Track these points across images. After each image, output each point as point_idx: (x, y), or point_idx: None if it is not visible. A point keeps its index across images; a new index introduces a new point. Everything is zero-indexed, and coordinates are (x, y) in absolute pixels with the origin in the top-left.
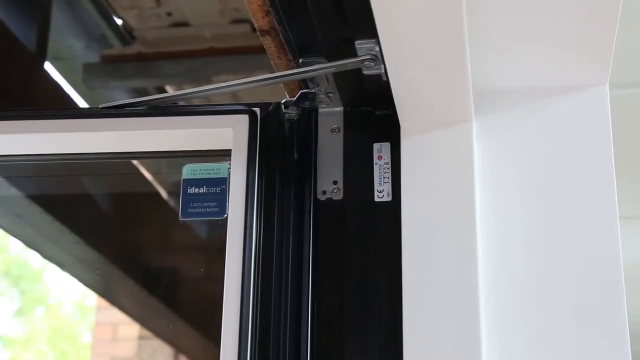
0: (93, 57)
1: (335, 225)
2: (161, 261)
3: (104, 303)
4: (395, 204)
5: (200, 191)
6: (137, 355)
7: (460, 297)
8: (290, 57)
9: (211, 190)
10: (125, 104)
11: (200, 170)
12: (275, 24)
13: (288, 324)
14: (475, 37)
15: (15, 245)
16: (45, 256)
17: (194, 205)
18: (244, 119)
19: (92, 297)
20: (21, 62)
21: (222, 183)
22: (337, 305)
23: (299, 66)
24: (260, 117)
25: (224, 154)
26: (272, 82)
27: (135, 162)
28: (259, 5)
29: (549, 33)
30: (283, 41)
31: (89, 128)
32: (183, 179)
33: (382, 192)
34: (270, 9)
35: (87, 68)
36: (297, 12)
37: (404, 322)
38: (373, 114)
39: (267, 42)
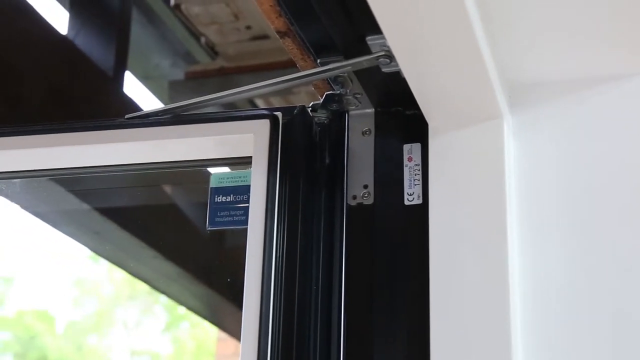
0: (179, 75)
1: (366, 231)
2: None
3: None
4: (425, 207)
5: (227, 199)
6: None
7: (490, 303)
8: (312, 58)
9: (238, 198)
10: (150, 113)
11: (227, 178)
12: (289, 24)
13: (318, 331)
14: (508, 28)
15: None
16: (128, 271)
17: (221, 214)
18: (265, 124)
19: None
20: (92, 82)
21: (249, 191)
22: (367, 312)
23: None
24: (285, 122)
25: (250, 162)
26: (290, 85)
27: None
28: (270, 6)
29: (585, 20)
30: (301, 42)
31: (114, 139)
32: (211, 188)
33: (412, 195)
34: (281, 9)
35: (173, 85)
36: (305, 11)
37: (431, 328)
38: (403, 114)
39: (288, 44)
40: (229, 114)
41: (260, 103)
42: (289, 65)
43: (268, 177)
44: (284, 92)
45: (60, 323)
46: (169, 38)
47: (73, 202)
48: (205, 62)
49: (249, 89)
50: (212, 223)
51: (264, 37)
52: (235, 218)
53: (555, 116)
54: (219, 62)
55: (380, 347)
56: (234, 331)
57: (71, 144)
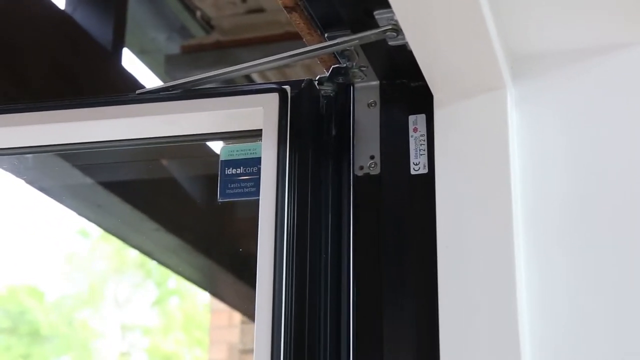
0: (175, 49)
1: (373, 200)
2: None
3: None
4: (431, 176)
5: (237, 172)
6: (240, 340)
7: (496, 266)
8: (319, 32)
9: (248, 170)
10: (160, 88)
11: (237, 151)
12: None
13: (329, 297)
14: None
15: None
16: (129, 244)
17: (232, 186)
18: (274, 98)
19: None
20: (92, 57)
21: (259, 163)
22: (376, 280)
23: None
24: (293, 95)
25: (260, 134)
26: (298, 59)
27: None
28: None
29: None
30: (309, 17)
31: (124, 114)
32: (221, 160)
33: (418, 164)
34: None
35: (169, 59)
36: None
37: (440, 294)
38: (408, 86)
39: (295, 19)
40: (239, 88)
41: (256, 77)
42: (284, 39)
43: (278, 148)
44: (281, 66)
45: (51, 298)
46: (164, 12)
47: (77, 177)
48: (200, 36)
49: (258, 63)
50: (223, 195)
51: (260, 10)
52: (246, 190)
53: (557, 86)
54: (215, 36)
55: (389, 313)
56: (232, 301)
57: (84, 120)
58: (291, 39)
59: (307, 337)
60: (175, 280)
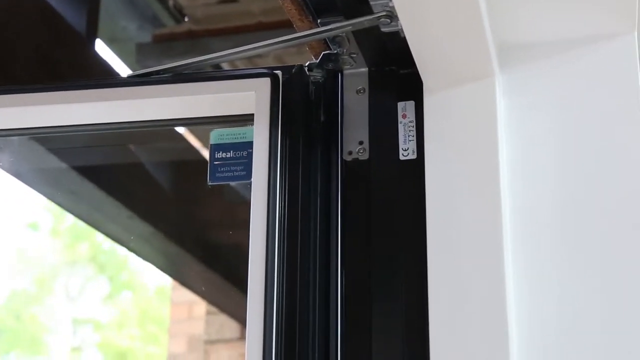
0: (146, 38)
1: (362, 185)
2: (220, 234)
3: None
4: (420, 162)
5: (227, 155)
6: (205, 331)
7: (485, 250)
8: (310, 18)
9: (238, 154)
10: (152, 71)
11: (227, 135)
12: None
13: (318, 281)
14: None
15: (100, 234)
16: (103, 232)
17: (222, 169)
18: (266, 82)
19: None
20: (71, 44)
21: (249, 147)
22: (366, 265)
23: (318, 27)
24: (283, 80)
25: (250, 119)
26: (291, 44)
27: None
28: None
29: None
30: (302, 2)
31: (116, 97)
32: (211, 144)
33: (407, 150)
34: None
35: (140, 48)
36: None
37: (429, 278)
38: (397, 73)
39: (287, 5)
40: (230, 72)
41: (225, 66)
42: (257, 29)
43: (270, 133)
44: (273, 51)
45: (0, 293)
46: (135, 1)
47: (52, 162)
48: (172, 25)
49: (252, 48)
50: (213, 178)
51: (233, 0)
52: (236, 173)
53: (545, 75)
54: (187, 25)
55: (378, 297)
56: (203, 291)
57: (74, 102)
58: (264, 29)
59: (297, 315)
60: (128, 275)
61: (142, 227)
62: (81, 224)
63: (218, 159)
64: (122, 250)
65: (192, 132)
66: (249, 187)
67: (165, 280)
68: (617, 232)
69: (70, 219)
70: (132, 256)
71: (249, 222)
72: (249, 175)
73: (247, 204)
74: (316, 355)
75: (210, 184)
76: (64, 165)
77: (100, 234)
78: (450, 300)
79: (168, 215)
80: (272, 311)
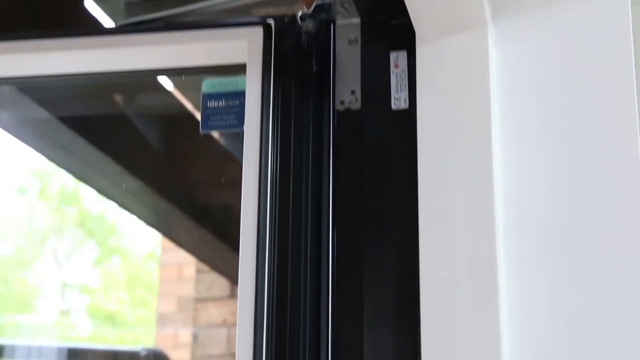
0: None
1: (354, 134)
2: (209, 192)
3: (168, 245)
4: (411, 111)
5: (219, 105)
6: (194, 289)
7: (476, 203)
8: None
9: (230, 103)
10: (143, 21)
11: (219, 84)
12: None
13: (309, 232)
14: None
15: (88, 199)
16: (94, 188)
17: (214, 118)
18: (258, 31)
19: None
20: (59, 1)
21: (241, 96)
22: (357, 215)
23: None
24: (276, 30)
25: (241, 69)
26: None
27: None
28: None
29: None
30: None
31: (107, 45)
32: (203, 93)
33: (398, 99)
34: None
35: (129, 6)
36: None
37: (420, 228)
38: (390, 23)
39: None
40: (222, 21)
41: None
42: None
43: (262, 82)
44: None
45: None
46: None
47: (43, 115)
48: None
49: None
50: (205, 127)
51: None
52: (227, 122)
53: (537, 25)
54: None
55: (369, 247)
56: (193, 248)
57: (64, 50)
58: None
59: (289, 268)
60: (116, 240)
61: (132, 183)
62: (69, 189)
63: (210, 108)
64: (111, 216)
65: (182, 90)
66: (240, 145)
67: (153, 246)
68: (603, 173)
69: (57, 183)
70: (120, 222)
71: (240, 180)
72: (240, 123)
73: (237, 163)
74: (307, 309)
75: (202, 131)
76: (54, 118)
77: (90, 189)
78: (440, 249)
79: (158, 172)
80: (264, 264)
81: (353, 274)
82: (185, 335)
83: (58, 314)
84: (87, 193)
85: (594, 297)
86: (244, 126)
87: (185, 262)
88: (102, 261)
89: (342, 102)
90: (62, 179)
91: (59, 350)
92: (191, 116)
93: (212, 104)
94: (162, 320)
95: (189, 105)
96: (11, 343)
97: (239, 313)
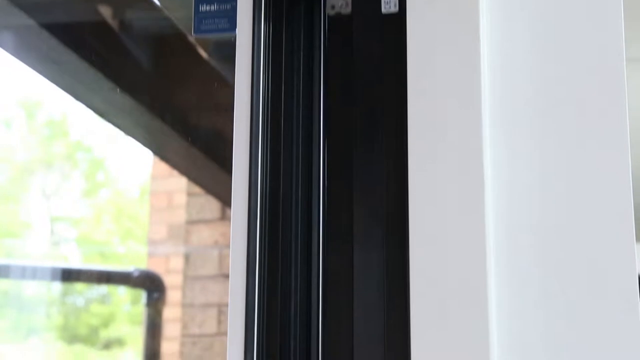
0: None
1: (345, 40)
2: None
3: (159, 172)
4: (401, 16)
5: (211, 9)
6: (186, 212)
7: (464, 102)
8: None
9: (222, 7)
10: None
11: None
12: None
13: (301, 142)
14: None
15: (75, 132)
16: (85, 105)
17: (206, 22)
18: None
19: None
20: None
21: (233, 0)
22: (348, 120)
23: None
24: None
25: None
26: None
27: None
28: None
29: None
30: None
31: None
32: None
33: (388, 3)
34: None
35: None
36: None
37: (409, 130)
38: None
39: None
40: None
41: None
42: None
43: None
44: None
45: None
46: None
47: (34, 31)
48: None
49: None
50: (197, 31)
51: None
52: (220, 26)
53: None
54: None
55: (359, 156)
56: (184, 167)
57: None
58: None
59: (281, 187)
60: (104, 174)
61: (124, 100)
62: (56, 120)
63: (202, 12)
64: (99, 150)
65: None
66: (232, 69)
67: (142, 180)
68: (588, 114)
69: (44, 115)
70: (108, 156)
71: (232, 104)
72: (233, 27)
73: (229, 87)
74: (299, 228)
75: (194, 35)
76: (45, 33)
77: (77, 119)
78: (430, 168)
79: (151, 91)
80: (256, 184)
81: (343, 183)
82: (176, 261)
83: (48, 246)
84: (74, 125)
85: (585, 300)
86: (236, 30)
87: (176, 189)
88: (91, 194)
89: (333, 7)
90: (49, 110)
91: (53, 270)
92: (183, 36)
93: (204, 7)
94: (153, 247)
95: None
96: (5, 263)
97: (232, 234)
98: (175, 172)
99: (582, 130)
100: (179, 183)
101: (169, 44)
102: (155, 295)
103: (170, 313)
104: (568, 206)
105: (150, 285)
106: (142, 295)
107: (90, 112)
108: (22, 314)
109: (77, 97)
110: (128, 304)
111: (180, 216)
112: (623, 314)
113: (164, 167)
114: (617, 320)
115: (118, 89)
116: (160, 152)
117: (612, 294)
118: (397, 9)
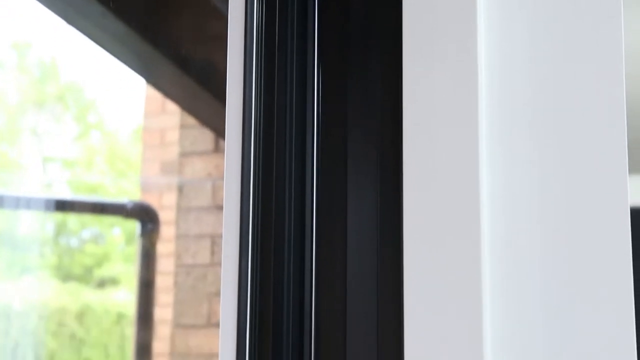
0: None
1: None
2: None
3: (151, 109)
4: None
5: None
6: (179, 143)
7: (460, 60)
8: None
9: None
10: None
11: None
12: None
13: (295, 88)
14: None
15: (66, 74)
16: (77, 29)
17: None
18: None
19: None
20: None
21: None
22: (340, 63)
23: None
24: None
25: None
26: None
27: None
28: None
29: None
30: None
31: None
32: None
33: None
34: None
35: None
36: None
37: (404, 89)
38: None
39: None
40: None
41: None
42: None
43: None
44: None
45: None
46: None
47: None
48: None
49: None
50: None
51: None
52: None
53: None
54: None
55: (353, 112)
56: (176, 96)
57: None
58: None
59: (275, 137)
60: (96, 115)
61: (116, 26)
62: (47, 62)
63: None
64: (90, 92)
65: None
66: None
67: (134, 121)
68: (586, 90)
69: (34, 56)
70: (100, 97)
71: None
72: None
73: (224, 19)
74: (292, 177)
75: None
76: None
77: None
78: (424, 116)
79: (143, 16)
80: (250, 115)
81: (336, 131)
82: (169, 197)
83: (40, 187)
84: (65, 66)
85: (583, 300)
86: None
87: (169, 126)
88: (82, 136)
89: None
90: (40, 52)
91: (47, 201)
92: None
93: None
94: (146, 183)
95: None
96: None
97: (225, 165)
98: (167, 109)
99: (581, 130)
100: (171, 120)
101: None
102: (150, 226)
103: (165, 248)
104: (565, 206)
105: (145, 216)
106: (136, 226)
107: (80, 53)
108: (16, 252)
109: (67, 20)
110: (122, 244)
111: (173, 153)
112: (616, 313)
113: (156, 104)
114: (612, 323)
115: (108, 14)
116: (153, 80)
117: (609, 294)
118: None
